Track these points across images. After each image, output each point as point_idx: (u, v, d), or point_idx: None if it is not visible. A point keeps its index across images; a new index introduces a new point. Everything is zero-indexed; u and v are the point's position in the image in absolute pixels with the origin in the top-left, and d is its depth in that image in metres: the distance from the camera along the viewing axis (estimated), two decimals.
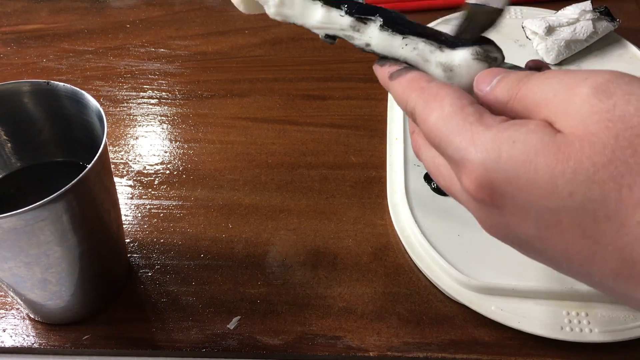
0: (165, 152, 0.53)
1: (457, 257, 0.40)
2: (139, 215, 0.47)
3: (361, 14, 0.29)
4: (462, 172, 0.22)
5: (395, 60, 0.28)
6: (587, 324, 0.37)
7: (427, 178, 0.46)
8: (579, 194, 0.19)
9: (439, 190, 0.45)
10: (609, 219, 0.19)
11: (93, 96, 0.36)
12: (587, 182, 0.19)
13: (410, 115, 0.26)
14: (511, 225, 0.22)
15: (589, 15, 0.56)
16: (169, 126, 0.56)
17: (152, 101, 0.58)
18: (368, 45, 0.29)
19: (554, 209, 0.20)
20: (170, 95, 0.59)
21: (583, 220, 0.19)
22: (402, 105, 0.27)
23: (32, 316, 0.40)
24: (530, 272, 0.39)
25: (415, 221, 0.43)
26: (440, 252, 0.40)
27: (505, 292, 0.38)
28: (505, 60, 0.27)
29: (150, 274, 0.43)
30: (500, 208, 0.22)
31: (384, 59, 0.29)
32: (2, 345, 0.39)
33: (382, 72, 0.29)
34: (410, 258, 0.43)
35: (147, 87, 0.60)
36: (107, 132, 0.34)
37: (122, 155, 0.53)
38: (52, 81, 0.37)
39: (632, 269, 0.19)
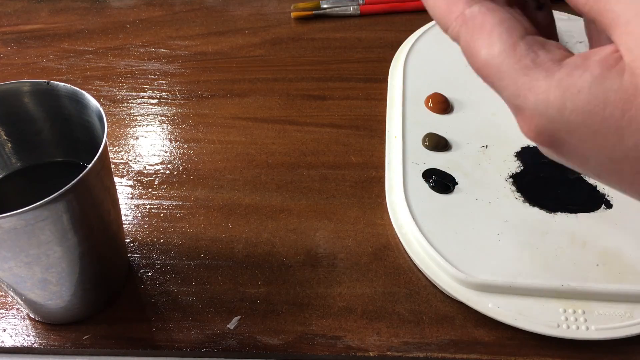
0: (166, 152, 0.53)
1: (454, 254, 0.40)
2: (139, 215, 0.47)
3: None
4: (520, 116, 0.21)
5: None
6: (584, 322, 0.37)
7: (426, 176, 0.46)
8: None
9: (437, 188, 0.45)
10: None
11: (93, 96, 0.36)
12: None
13: (453, 38, 0.23)
14: (570, 163, 0.21)
15: None
16: (169, 126, 0.56)
17: (152, 101, 0.58)
18: None
19: (617, 158, 0.19)
20: (170, 95, 0.59)
21: None
22: (442, 28, 0.24)
23: (32, 316, 0.40)
24: (528, 269, 0.39)
25: (413, 219, 0.43)
26: (438, 250, 0.41)
27: (503, 289, 0.38)
28: None
29: (150, 274, 0.43)
30: (560, 153, 0.21)
31: None
32: (2, 345, 0.39)
33: None
34: (410, 257, 0.43)
35: (147, 87, 0.60)
36: (107, 132, 0.34)
37: (122, 155, 0.53)
38: (52, 81, 0.37)
39: None
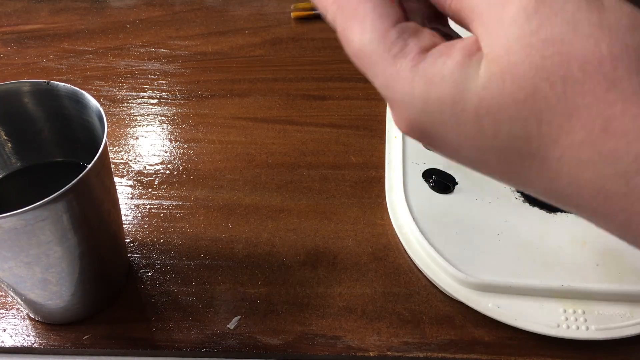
0: (166, 152, 0.53)
1: (454, 254, 0.40)
2: (139, 215, 0.47)
3: None
4: (391, 107, 0.21)
5: None
6: (584, 322, 0.37)
7: (426, 176, 0.46)
8: (504, 132, 0.19)
9: (437, 188, 0.45)
10: (533, 156, 0.19)
11: (93, 96, 0.36)
12: (510, 121, 0.18)
13: (331, 24, 0.23)
14: (443, 154, 0.21)
15: None
16: (169, 126, 0.56)
17: (152, 101, 0.58)
18: None
19: (482, 148, 0.19)
20: (170, 95, 0.59)
21: (509, 157, 0.19)
22: (322, 12, 0.23)
23: (32, 316, 0.40)
24: (527, 269, 0.39)
25: (413, 218, 0.43)
26: (438, 249, 0.41)
27: (502, 289, 0.38)
28: None
29: (150, 274, 0.43)
30: (432, 144, 0.21)
31: None
32: (2, 345, 0.39)
33: None
34: (410, 257, 0.43)
35: (147, 87, 0.60)
36: (107, 132, 0.34)
37: (122, 155, 0.53)
38: (52, 81, 0.37)
39: (558, 200, 0.19)
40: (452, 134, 0.20)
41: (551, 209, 0.43)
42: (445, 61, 0.19)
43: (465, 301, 0.39)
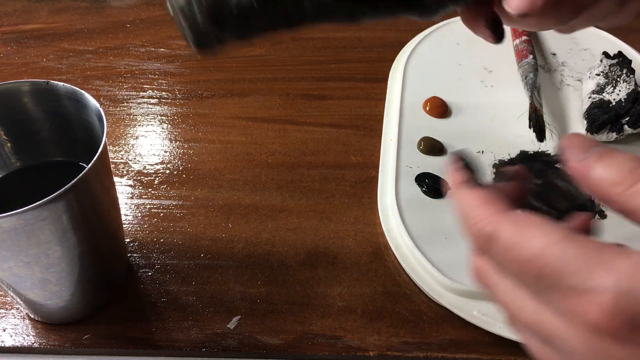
0: (165, 151, 0.53)
1: (442, 259, 0.40)
2: (139, 215, 0.47)
3: None
4: (588, 301, 0.19)
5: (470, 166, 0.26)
6: None
7: (418, 180, 0.46)
8: None
9: (429, 193, 0.45)
10: None
11: (93, 96, 0.36)
12: None
13: (479, 238, 0.22)
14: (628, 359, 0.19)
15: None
16: (169, 126, 0.56)
17: (152, 101, 0.58)
18: None
19: None
20: (170, 95, 0.59)
21: None
22: (467, 222, 0.23)
23: (32, 316, 0.40)
24: None
25: (403, 222, 0.43)
26: (425, 254, 0.40)
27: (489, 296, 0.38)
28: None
29: (150, 274, 0.43)
30: (626, 341, 0.19)
31: (462, 159, 0.26)
32: (2, 345, 0.39)
33: (456, 173, 0.26)
34: (397, 260, 0.42)
35: (147, 86, 0.60)
36: (107, 131, 0.34)
37: (122, 155, 0.53)
38: (52, 81, 0.37)
39: None
40: None
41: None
42: None
43: (450, 307, 0.38)
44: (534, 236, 0.20)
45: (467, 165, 0.26)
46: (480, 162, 0.26)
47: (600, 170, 0.21)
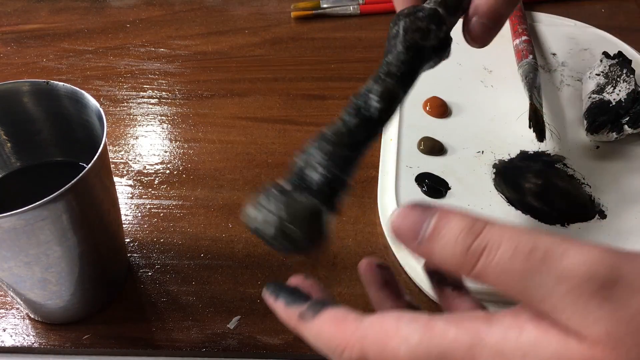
0: (165, 151, 0.53)
1: None
2: (139, 215, 0.47)
3: None
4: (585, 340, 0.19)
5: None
6: None
7: (418, 180, 0.46)
8: None
9: (429, 193, 0.45)
10: None
11: (93, 96, 0.36)
12: None
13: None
14: None
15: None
16: (169, 126, 0.56)
17: (152, 101, 0.58)
18: None
19: None
20: (170, 95, 0.59)
21: None
22: (334, 353, 0.22)
23: (32, 316, 0.40)
24: None
25: None
26: None
27: (486, 297, 0.38)
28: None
29: (150, 274, 0.43)
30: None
31: (277, 288, 0.25)
32: (2, 345, 0.39)
33: (285, 312, 0.25)
34: (397, 259, 0.43)
35: (147, 86, 0.60)
36: (107, 131, 0.34)
37: (122, 155, 0.53)
38: (52, 81, 0.37)
39: None
40: None
41: (545, 219, 0.43)
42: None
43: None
44: (398, 346, 0.21)
45: (284, 292, 0.25)
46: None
47: (438, 255, 0.21)
